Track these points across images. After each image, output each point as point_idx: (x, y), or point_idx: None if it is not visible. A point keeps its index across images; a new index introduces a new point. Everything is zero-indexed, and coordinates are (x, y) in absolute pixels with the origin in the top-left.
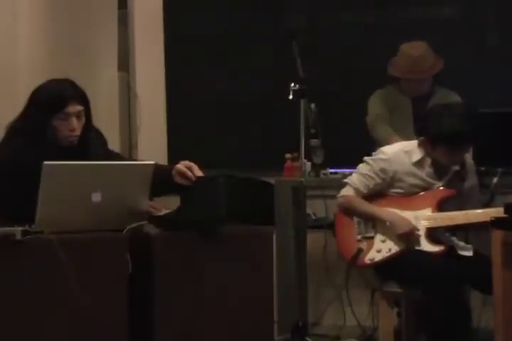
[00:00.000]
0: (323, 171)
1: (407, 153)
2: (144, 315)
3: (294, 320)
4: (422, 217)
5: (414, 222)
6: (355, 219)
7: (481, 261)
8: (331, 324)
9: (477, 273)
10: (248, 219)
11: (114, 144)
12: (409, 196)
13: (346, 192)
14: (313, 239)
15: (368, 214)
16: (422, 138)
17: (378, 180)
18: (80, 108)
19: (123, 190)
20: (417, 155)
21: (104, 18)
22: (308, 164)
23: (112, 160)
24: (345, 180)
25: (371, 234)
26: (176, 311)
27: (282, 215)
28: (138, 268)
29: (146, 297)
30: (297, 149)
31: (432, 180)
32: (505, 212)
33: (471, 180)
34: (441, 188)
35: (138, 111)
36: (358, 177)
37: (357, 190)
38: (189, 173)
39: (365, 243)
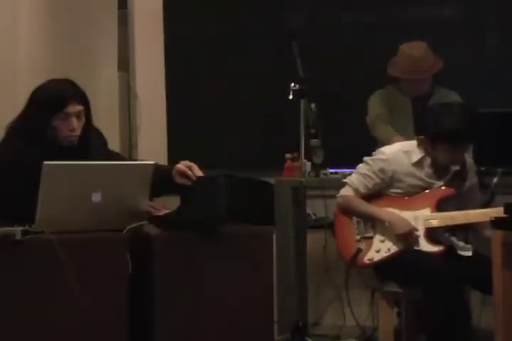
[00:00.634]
0: (323, 171)
1: (407, 153)
2: (143, 315)
3: (294, 320)
4: (421, 217)
5: (413, 222)
6: (355, 219)
7: (481, 261)
8: (330, 324)
9: (477, 273)
10: (248, 219)
11: (114, 144)
12: (409, 196)
13: (345, 192)
14: (313, 239)
15: (367, 214)
16: (421, 137)
17: (377, 180)
18: (79, 108)
19: (123, 190)
20: (417, 155)
21: (104, 18)
22: (308, 164)
23: (111, 160)
24: (344, 180)
25: (370, 234)
26: (176, 311)
27: (282, 215)
28: (138, 268)
29: (146, 297)
30: (297, 149)
31: (431, 180)
32: (505, 212)
33: (471, 180)
34: (441, 188)
35: (138, 111)
36: (357, 177)
37: (356, 190)
38: (189, 172)
39: (364, 243)
